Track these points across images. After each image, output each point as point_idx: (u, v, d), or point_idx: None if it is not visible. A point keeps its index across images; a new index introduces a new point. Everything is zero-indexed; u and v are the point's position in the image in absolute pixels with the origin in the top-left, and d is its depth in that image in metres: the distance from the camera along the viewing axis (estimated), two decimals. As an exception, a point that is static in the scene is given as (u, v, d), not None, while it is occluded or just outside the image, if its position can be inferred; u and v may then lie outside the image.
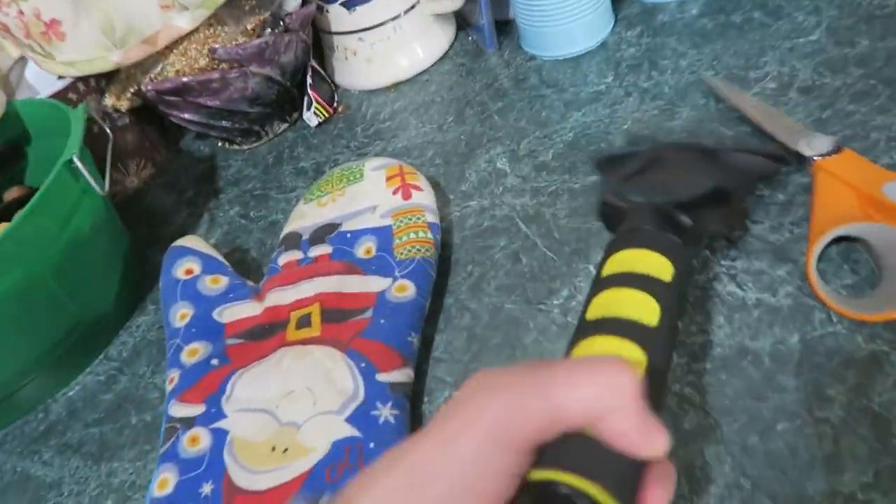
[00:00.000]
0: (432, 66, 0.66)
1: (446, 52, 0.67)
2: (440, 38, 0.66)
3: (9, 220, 0.52)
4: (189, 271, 0.48)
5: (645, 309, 0.29)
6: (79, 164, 0.46)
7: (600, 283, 0.32)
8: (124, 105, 0.58)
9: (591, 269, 0.42)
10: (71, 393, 0.50)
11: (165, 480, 0.38)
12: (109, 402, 0.48)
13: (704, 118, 0.48)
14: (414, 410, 0.39)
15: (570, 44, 0.59)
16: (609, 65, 0.57)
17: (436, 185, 0.53)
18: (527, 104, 0.57)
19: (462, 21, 0.69)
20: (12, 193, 0.57)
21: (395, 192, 0.49)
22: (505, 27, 0.65)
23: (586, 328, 0.30)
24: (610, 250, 0.33)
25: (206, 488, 0.37)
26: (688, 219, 0.33)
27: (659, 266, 0.32)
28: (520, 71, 0.61)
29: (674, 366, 0.37)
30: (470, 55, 0.66)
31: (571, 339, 0.30)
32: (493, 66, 0.63)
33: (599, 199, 0.39)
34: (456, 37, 0.68)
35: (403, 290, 0.43)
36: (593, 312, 0.30)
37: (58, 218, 0.46)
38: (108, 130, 0.53)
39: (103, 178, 0.50)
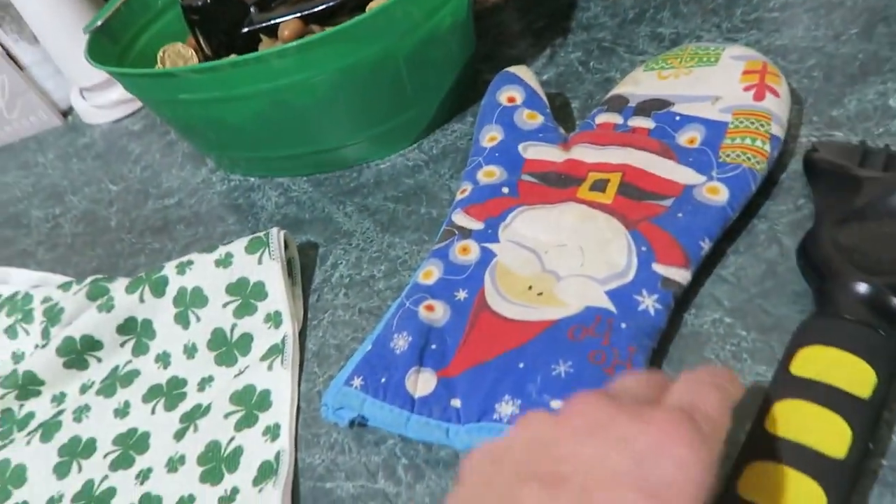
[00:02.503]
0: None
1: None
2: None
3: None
4: (511, 99, 0.49)
5: (834, 436, 0.27)
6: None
7: (786, 382, 0.29)
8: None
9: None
10: (382, 166, 0.56)
11: (431, 272, 0.42)
12: (409, 186, 0.53)
13: None
14: (676, 314, 0.38)
15: None
16: None
17: (800, 100, 0.46)
18: (963, 40, 0.45)
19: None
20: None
21: (746, 89, 0.44)
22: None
23: (758, 445, 0.28)
24: (802, 338, 0.31)
25: (461, 294, 0.40)
26: None
27: (860, 377, 0.28)
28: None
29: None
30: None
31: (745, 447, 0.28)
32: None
33: (808, 241, 0.35)
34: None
35: (715, 192, 0.40)
36: (773, 424, 0.28)
37: (425, 9, 0.49)
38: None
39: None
